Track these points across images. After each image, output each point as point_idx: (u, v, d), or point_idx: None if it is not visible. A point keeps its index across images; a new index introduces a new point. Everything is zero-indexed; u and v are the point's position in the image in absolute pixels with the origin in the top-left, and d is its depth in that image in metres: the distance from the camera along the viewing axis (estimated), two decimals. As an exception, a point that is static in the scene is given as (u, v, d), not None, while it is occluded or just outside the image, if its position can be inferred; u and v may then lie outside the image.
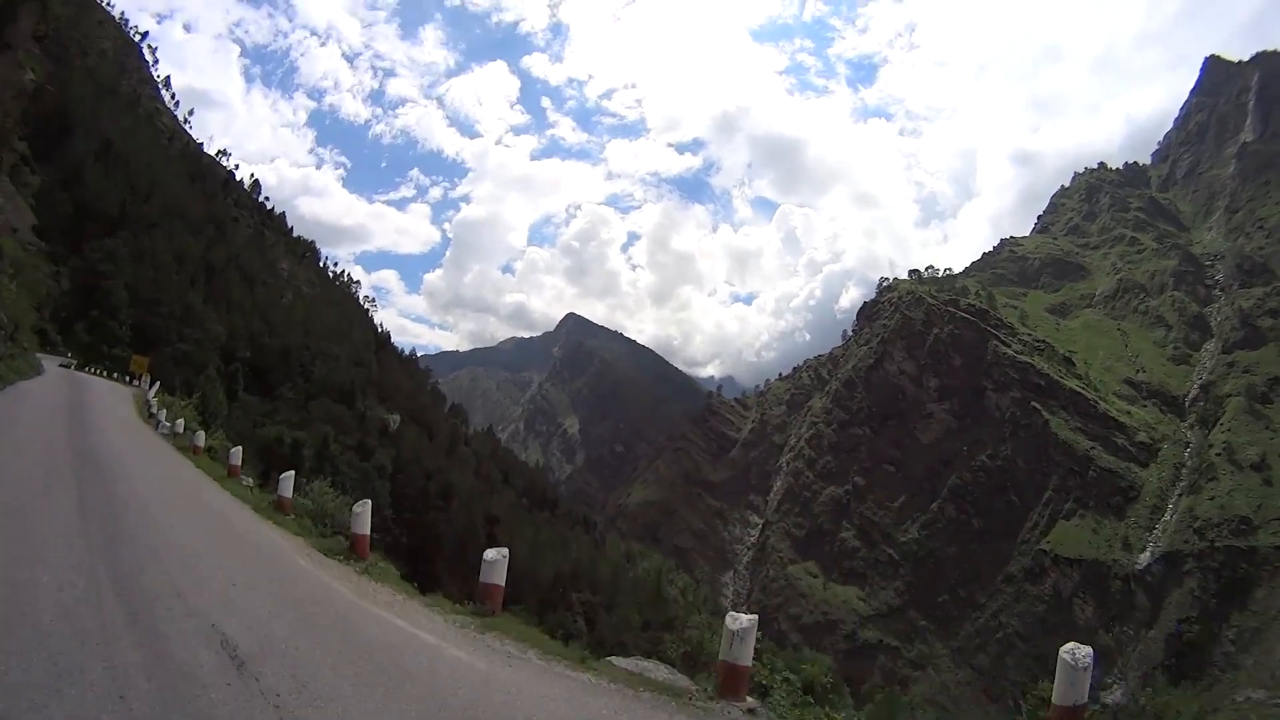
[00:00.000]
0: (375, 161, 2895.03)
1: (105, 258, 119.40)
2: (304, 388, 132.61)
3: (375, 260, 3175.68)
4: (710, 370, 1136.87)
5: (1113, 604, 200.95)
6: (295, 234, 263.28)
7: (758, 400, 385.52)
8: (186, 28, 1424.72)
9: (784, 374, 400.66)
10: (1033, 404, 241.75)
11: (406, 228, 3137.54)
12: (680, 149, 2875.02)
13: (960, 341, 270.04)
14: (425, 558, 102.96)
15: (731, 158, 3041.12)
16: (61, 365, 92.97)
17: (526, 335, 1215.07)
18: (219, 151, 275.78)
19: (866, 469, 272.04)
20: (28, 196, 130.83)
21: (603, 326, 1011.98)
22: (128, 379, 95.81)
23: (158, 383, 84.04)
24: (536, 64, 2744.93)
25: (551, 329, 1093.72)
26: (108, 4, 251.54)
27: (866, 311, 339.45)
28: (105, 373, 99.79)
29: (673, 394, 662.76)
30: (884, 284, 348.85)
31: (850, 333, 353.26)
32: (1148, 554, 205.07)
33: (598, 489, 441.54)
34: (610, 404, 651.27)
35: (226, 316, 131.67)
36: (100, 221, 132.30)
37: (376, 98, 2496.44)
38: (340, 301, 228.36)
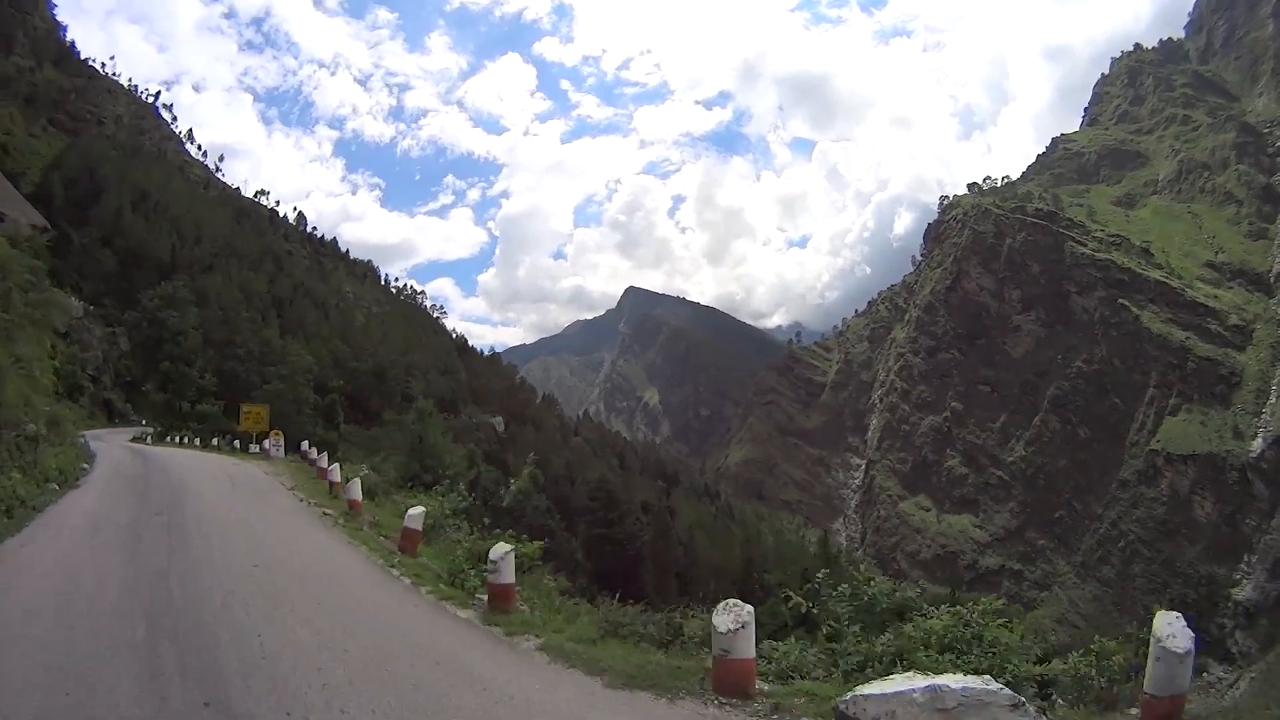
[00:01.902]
0: (408, 176, 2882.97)
1: (166, 303, 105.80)
2: (403, 407, 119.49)
3: (427, 272, 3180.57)
4: (776, 319, 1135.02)
5: (1232, 496, 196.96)
6: (351, 256, 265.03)
7: (838, 341, 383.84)
8: (196, 88, 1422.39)
9: (859, 310, 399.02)
10: (1120, 300, 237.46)
11: (452, 234, 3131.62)
12: (708, 105, 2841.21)
13: (1035, 248, 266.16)
14: (625, 578, 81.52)
15: (760, 104, 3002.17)
16: (133, 440, 73.10)
17: (590, 316, 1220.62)
18: (257, 192, 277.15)
19: (961, 393, 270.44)
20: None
21: (664, 294, 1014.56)
22: (231, 442, 72.23)
23: (315, 450, 52.77)
24: (549, 49, 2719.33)
25: (613, 306, 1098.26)
26: (113, 74, 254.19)
27: (932, 233, 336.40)
28: (199, 441, 76.72)
29: (746, 349, 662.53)
30: (945, 202, 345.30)
31: (920, 257, 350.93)
32: (1260, 440, 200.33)
33: (689, 455, 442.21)
34: (686, 369, 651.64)
35: (307, 347, 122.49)
36: (151, 270, 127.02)
37: (397, 114, 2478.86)
38: (410, 314, 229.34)
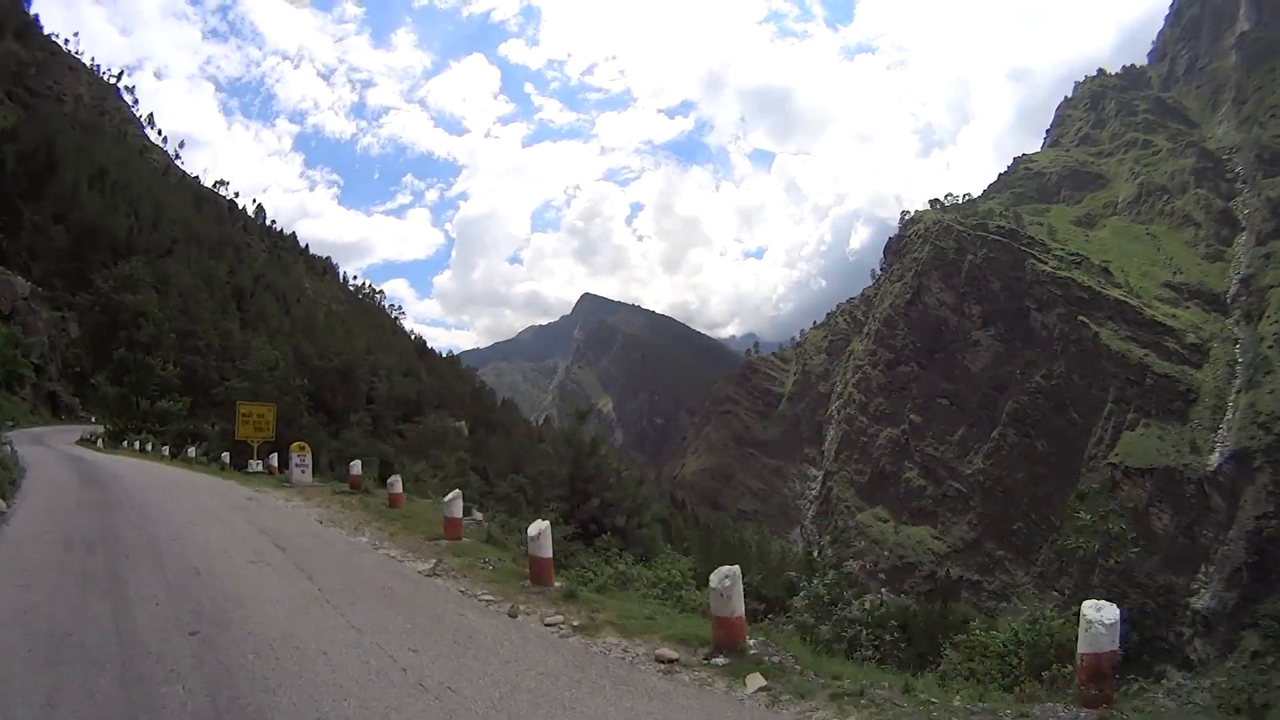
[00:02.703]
0: (367, 174, 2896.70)
1: (122, 285, 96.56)
2: (368, 409, 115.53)
3: (382, 272, 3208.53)
4: (731, 330, 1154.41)
5: (1189, 509, 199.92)
6: (310, 252, 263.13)
7: (796, 352, 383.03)
8: (157, 75, 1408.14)
9: (817, 322, 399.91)
10: (1079, 318, 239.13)
11: (408, 235, 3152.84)
12: (670, 113, 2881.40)
13: (996, 265, 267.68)
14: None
15: (723, 115, 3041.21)
16: (81, 442, 64.77)
17: (544, 322, 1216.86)
18: (217, 182, 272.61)
19: (920, 406, 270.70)
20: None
21: (620, 302, 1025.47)
22: (216, 456, 54.74)
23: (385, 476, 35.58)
24: (514, 50, 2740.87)
25: (569, 312, 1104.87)
26: (76, 52, 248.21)
27: (893, 247, 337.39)
28: (169, 449, 61.25)
29: (700, 358, 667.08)
30: (906, 217, 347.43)
31: (880, 271, 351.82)
32: (1217, 455, 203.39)
33: (644, 464, 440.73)
34: (641, 378, 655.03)
35: (270, 342, 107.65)
36: (106, 251, 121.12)
37: (358, 111, 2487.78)
38: (371, 314, 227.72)
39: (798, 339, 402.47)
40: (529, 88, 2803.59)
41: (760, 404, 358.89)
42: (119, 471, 39.05)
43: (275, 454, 45.75)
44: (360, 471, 35.60)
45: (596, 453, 35.44)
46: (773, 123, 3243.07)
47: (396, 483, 30.00)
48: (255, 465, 46.57)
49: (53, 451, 51.11)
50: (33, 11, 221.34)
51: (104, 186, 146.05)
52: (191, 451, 57.15)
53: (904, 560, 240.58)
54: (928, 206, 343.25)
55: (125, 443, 66.45)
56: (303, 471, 38.47)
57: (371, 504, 29.61)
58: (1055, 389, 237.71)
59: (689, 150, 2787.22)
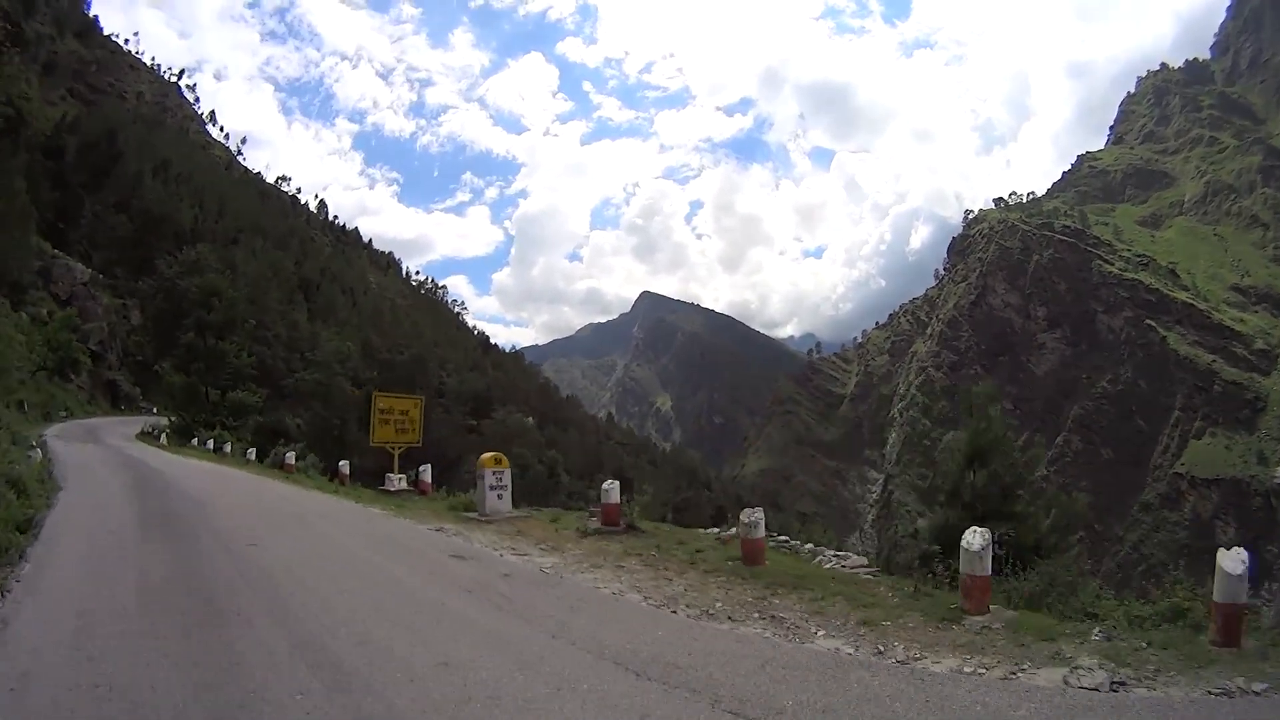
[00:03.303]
0: (427, 172, 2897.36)
1: (188, 270, 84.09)
2: (438, 403, 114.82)
3: (442, 268, 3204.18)
4: (790, 329, 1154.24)
5: (1255, 522, 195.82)
6: (374, 247, 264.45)
7: (858, 353, 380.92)
8: (216, 76, 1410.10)
9: (879, 323, 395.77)
10: (1147, 321, 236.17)
11: (468, 232, 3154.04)
12: (729, 111, 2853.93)
13: (1062, 265, 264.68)
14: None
15: (782, 112, 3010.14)
16: (143, 436, 61.34)
17: (603, 320, 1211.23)
18: (279, 178, 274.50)
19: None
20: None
21: (679, 300, 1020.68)
22: (332, 467, 40.74)
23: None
24: (572, 49, 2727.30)
25: (627, 310, 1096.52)
26: (137, 53, 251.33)
27: (956, 246, 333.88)
28: (255, 451, 49.09)
29: (760, 358, 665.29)
30: (969, 216, 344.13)
31: (942, 271, 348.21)
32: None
33: (701, 464, 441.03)
34: (700, 376, 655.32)
35: (339, 334, 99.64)
36: (169, 239, 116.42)
37: (417, 110, 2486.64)
38: (434, 309, 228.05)
39: (858, 339, 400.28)
40: (587, 86, 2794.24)
41: (821, 405, 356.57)
42: (202, 494, 27.10)
43: (427, 466, 33.75)
44: (618, 499, 22.27)
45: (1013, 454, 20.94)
46: (832, 120, 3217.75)
47: (758, 523, 16.97)
48: (396, 481, 33.83)
49: (106, 451, 42.61)
50: (92, 13, 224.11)
51: (167, 177, 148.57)
52: (290, 457, 42.92)
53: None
54: (991, 205, 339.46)
55: (195, 439, 58.75)
56: (500, 497, 25.65)
57: (679, 554, 17.53)
58: (1121, 395, 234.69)
59: (748, 148, 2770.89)
